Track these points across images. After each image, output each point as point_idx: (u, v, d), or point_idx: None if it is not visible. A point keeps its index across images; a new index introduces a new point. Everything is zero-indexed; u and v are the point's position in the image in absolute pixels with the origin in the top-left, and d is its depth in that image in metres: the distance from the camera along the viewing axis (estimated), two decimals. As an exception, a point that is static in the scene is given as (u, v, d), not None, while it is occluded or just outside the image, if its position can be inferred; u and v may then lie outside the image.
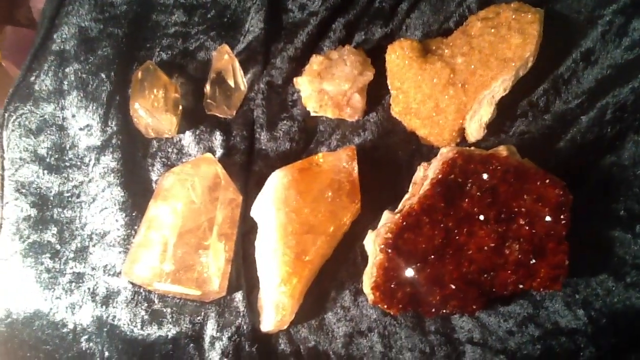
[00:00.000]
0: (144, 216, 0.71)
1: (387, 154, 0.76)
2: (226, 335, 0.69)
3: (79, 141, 0.79)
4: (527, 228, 0.61)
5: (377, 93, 0.78)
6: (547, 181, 0.62)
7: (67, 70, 0.81)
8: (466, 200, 0.63)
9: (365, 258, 0.68)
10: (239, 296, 0.71)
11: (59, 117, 0.79)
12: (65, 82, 0.80)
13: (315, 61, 0.77)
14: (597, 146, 0.71)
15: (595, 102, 0.71)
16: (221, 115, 0.79)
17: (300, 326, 0.70)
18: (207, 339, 0.70)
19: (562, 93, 0.74)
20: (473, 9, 0.78)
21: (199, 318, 0.71)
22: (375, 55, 0.77)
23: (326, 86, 0.75)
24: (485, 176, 0.62)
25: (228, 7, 0.84)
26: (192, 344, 0.70)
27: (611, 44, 0.73)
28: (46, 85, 0.81)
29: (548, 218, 0.61)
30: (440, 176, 0.63)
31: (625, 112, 0.70)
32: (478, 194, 0.62)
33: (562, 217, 0.61)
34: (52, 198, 0.77)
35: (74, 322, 0.72)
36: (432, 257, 0.62)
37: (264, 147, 0.78)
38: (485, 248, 0.62)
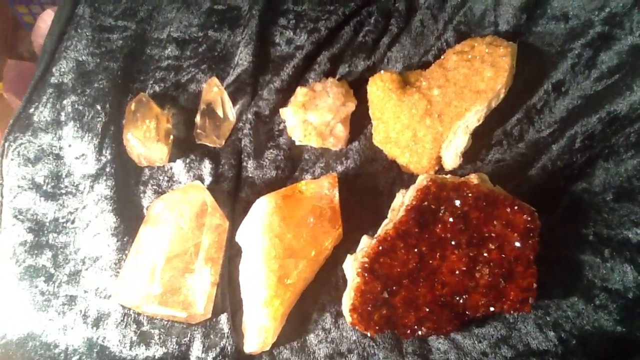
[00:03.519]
0: (134, 241, 0.74)
1: (368, 181, 0.80)
2: (211, 356, 0.72)
3: (74, 170, 0.82)
4: (497, 252, 0.64)
5: (360, 122, 0.82)
6: (516, 207, 0.64)
7: (64, 102, 0.85)
8: (439, 225, 0.65)
9: (346, 281, 0.71)
10: (223, 318, 0.73)
11: (55, 146, 0.83)
12: (63, 114, 0.85)
13: (300, 93, 0.80)
14: (568, 173, 0.73)
15: (565, 132, 0.74)
16: (211, 145, 0.83)
17: (282, 347, 0.72)
18: (192, 360, 0.73)
19: (535, 122, 0.77)
20: (451, 43, 0.82)
21: (185, 339, 0.73)
22: (359, 86, 0.81)
23: (310, 117, 0.79)
24: (457, 203, 0.65)
25: (218, 41, 0.88)
26: (178, 365, 0.72)
27: (581, 75, 0.76)
28: (44, 117, 0.85)
29: (517, 243, 0.64)
30: (414, 203, 0.66)
31: (594, 140, 0.73)
32: (450, 219, 0.65)
33: (530, 242, 0.64)
34: (47, 224, 0.80)
35: (65, 343, 0.74)
36: (407, 280, 0.65)
37: (250, 175, 0.81)
38: (457, 272, 0.64)
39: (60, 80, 0.86)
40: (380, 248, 0.66)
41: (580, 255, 0.70)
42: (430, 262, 0.65)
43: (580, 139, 0.73)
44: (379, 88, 0.77)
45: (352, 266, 0.68)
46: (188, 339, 0.73)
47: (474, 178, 0.67)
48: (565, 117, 0.75)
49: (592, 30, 0.76)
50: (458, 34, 0.82)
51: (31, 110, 0.85)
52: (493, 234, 0.65)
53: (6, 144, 0.83)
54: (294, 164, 0.82)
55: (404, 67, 0.84)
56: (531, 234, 0.64)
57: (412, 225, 0.66)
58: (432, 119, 0.75)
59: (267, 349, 0.71)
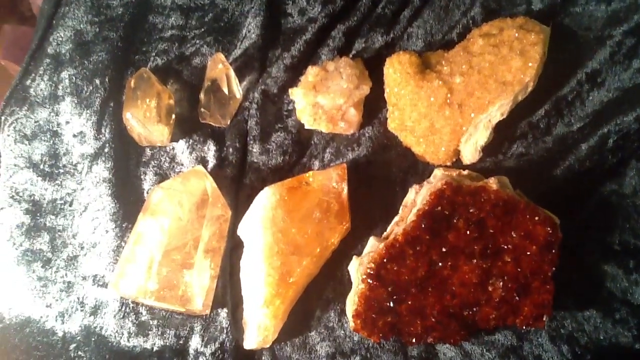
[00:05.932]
0: (132, 230, 0.71)
1: (381, 170, 0.75)
2: (209, 350, 0.70)
3: (72, 148, 0.79)
4: (512, 265, 0.60)
5: (375, 105, 0.76)
6: (537, 218, 0.60)
7: (62, 75, 0.80)
8: (452, 233, 0.61)
9: (352, 277, 0.68)
10: (223, 313, 0.71)
11: (53, 123, 0.79)
12: (60, 87, 0.80)
13: (311, 72, 0.75)
14: (597, 172, 0.68)
15: (597, 129, 0.68)
16: (215, 124, 0.78)
17: (283, 344, 0.70)
18: (191, 353, 0.71)
19: (564, 115, 0.71)
20: (477, 21, 0.75)
21: (184, 332, 0.72)
22: (375, 65, 0.75)
23: (321, 100, 0.73)
24: (473, 209, 0.61)
25: (226, 10, 0.82)
26: (175, 358, 0.71)
27: (619, 65, 0.69)
28: (41, 90, 0.80)
29: (535, 256, 0.60)
30: (427, 208, 0.62)
31: (628, 140, 0.67)
32: (465, 227, 0.61)
33: (549, 255, 0.60)
34: (45, 205, 0.77)
35: (63, 331, 0.73)
36: (414, 289, 0.62)
37: (255, 160, 0.76)
38: (469, 284, 0.61)
39: (58, 50, 0.81)
40: (388, 254, 0.62)
41: (602, 264, 0.66)
42: (441, 271, 0.61)
43: (613, 139, 0.67)
44: (396, 71, 0.71)
45: (357, 270, 0.65)
46: (187, 331, 0.72)
47: (493, 183, 0.63)
48: (598, 111, 0.69)
49: (637, 16, 0.69)
50: (486, 10, 0.75)
51: (28, 82, 0.81)
52: (510, 245, 0.60)
53: (2, 118, 0.79)
54: (302, 149, 0.77)
55: (425, 45, 0.77)
56: (551, 248, 0.60)
57: (423, 232, 0.62)
58: (451, 109, 0.69)
59: (267, 346, 0.68)
